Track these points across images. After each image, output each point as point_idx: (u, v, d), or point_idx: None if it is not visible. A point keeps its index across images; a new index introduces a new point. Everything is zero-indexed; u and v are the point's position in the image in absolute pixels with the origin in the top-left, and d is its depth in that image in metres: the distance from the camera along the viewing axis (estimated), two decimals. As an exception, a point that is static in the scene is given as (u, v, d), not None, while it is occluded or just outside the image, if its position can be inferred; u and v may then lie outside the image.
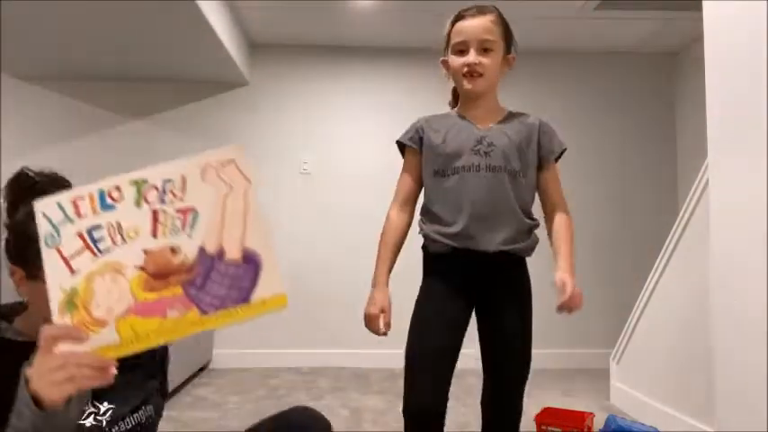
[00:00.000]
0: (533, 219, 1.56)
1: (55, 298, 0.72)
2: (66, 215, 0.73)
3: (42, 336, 0.70)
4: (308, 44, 4.11)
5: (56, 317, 0.71)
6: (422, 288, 1.56)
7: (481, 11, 1.57)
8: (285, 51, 4.14)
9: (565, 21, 3.69)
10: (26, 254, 0.85)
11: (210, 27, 3.08)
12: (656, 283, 2.79)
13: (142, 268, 0.73)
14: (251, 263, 0.74)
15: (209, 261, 0.74)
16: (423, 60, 4.09)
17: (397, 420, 2.70)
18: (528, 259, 1.58)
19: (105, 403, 0.95)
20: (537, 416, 2.45)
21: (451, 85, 1.66)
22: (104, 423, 0.98)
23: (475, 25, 1.53)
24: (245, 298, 0.74)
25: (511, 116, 1.60)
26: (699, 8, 1.86)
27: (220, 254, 0.74)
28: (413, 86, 4.05)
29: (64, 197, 0.73)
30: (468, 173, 1.48)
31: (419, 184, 1.59)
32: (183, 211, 0.74)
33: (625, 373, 3.02)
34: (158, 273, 0.73)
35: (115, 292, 0.72)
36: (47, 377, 0.69)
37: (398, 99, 4.10)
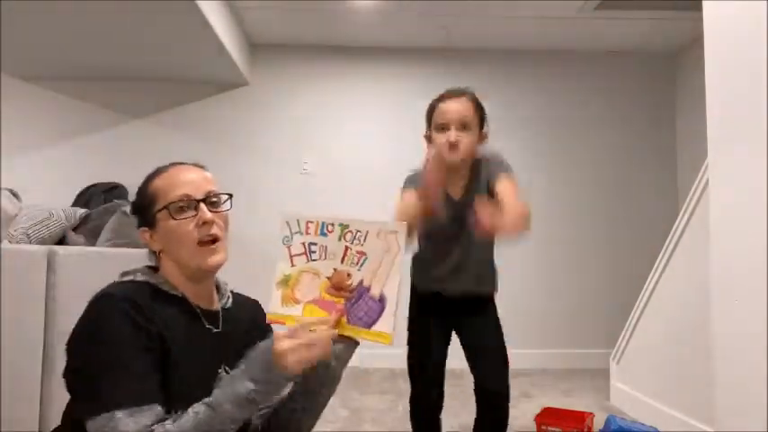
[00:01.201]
0: (494, 265, 1.91)
1: (277, 276, 1.11)
2: (299, 229, 1.12)
3: (293, 327, 0.99)
4: (308, 44, 4.11)
5: (274, 286, 1.11)
6: (411, 317, 1.88)
7: (460, 94, 1.79)
8: (285, 51, 4.14)
9: (565, 21, 3.69)
10: (145, 213, 1.12)
11: (210, 27, 3.08)
12: (656, 283, 2.79)
13: (328, 278, 1.09)
14: (381, 303, 1.06)
15: (363, 291, 1.07)
16: (422, 60, 4.10)
17: (397, 420, 2.70)
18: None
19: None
20: (537, 416, 2.46)
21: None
22: None
23: (454, 107, 1.76)
24: (369, 325, 1.06)
25: (476, 176, 1.83)
26: (699, 8, 1.86)
27: (369, 289, 1.07)
28: (412, 86, 4.05)
29: (302, 218, 1.12)
30: (444, 239, 1.82)
31: None
32: (360, 253, 1.09)
33: (625, 373, 3.02)
34: (336, 285, 1.09)
35: (311, 287, 1.10)
36: (296, 355, 0.95)
37: (398, 99, 4.11)
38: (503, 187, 1.77)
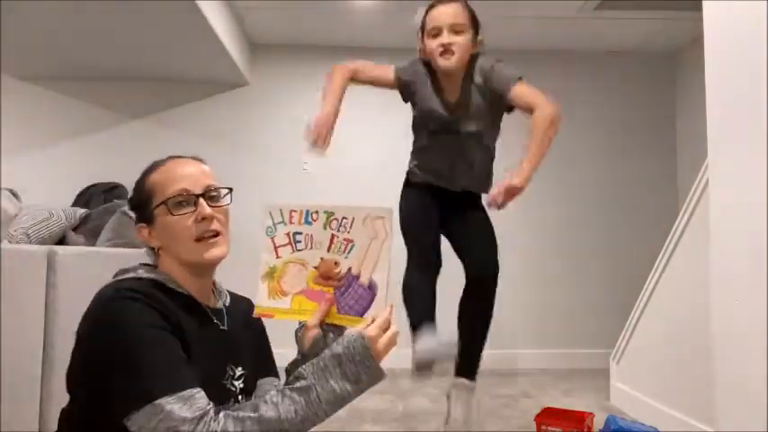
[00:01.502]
0: (491, 167, 1.97)
1: (262, 268, 1.09)
2: (282, 219, 1.09)
3: (382, 320, 1.00)
4: (308, 44, 4.11)
5: (259, 280, 1.09)
6: (404, 198, 1.94)
7: (451, 0, 1.80)
8: (285, 51, 4.14)
9: (565, 21, 3.69)
10: (143, 209, 1.08)
11: (210, 27, 3.08)
12: (656, 283, 2.78)
13: (316, 268, 1.07)
14: (371, 290, 1.04)
15: (351, 279, 1.05)
16: (423, 60, 4.09)
17: (397, 420, 2.70)
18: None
19: (240, 368, 1.10)
20: (537, 416, 2.45)
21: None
22: (237, 390, 1.08)
23: (446, 11, 1.77)
24: (361, 313, 1.04)
25: (472, 79, 1.86)
26: (699, 8, 1.86)
27: (357, 277, 1.05)
28: (413, 86, 4.05)
29: (285, 207, 1.10)
30: (443, 138, 1.84)
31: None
32: (347, 240, 1.06)
33: (625, 373, 3.02)
34: (324, 274, 1.07)
35: (297, 277, 1.08)
36: (387, 349, 0.98)
37: (398, 99, 4.10)
38: (522, 91, 1.85)
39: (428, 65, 1.92)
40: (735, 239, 1.69)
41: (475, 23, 1.83)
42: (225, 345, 1.09)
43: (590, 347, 3.96)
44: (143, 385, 0.88)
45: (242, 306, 1.20)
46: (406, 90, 1.92)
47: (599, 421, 2.50)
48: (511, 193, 1.67)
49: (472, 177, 1.87)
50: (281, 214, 1.09)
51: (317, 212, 1.08)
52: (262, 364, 1.20)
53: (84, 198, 3.66)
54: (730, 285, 1.70)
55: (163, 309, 0.96)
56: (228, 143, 4.10)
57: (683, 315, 2.54)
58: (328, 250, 1.07)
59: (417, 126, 1.93)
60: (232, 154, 4.08)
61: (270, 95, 4.13)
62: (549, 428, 2.38)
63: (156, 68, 3.87)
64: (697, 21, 1.95)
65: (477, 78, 1.83)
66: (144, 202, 1.08)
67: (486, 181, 1.94)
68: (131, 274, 1.04)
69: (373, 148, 4.09)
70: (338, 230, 1.06)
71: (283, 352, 1.22)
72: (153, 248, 1.11)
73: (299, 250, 1.08)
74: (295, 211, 1.09)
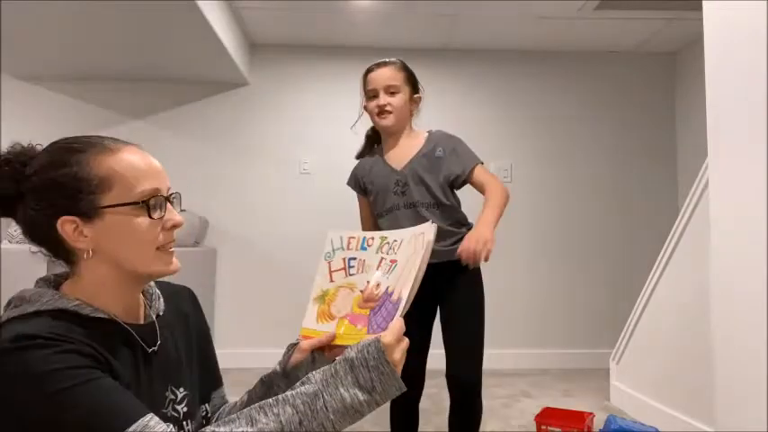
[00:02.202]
0: (461, 228, 1.87)
1: (315, 291, 1.09)
2: (341, 245, 1.11)
3: (397, 327, 0.90)
4: (308, 44, 4.11)
5: (311, 302, 1.08)
6: None
7: (385, 63, 1.91)
8: (285, 51, 4.14)
9: (565, 21, 3.69)
10: (75, 196, 0.86)
11: (210, 27, 3.08)
12: (656, 283, 2.79)
13: (361, 291, 1.05)
14: (397, 304, 0.98)
15: (386, 298, 1.01)
16: (422, 60, 4.09)
17: (397, 420, 2.70)
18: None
19: (182, 389, 0.96)
20: (537, 416, 2.46)
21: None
22: (181, 415, 0.95)
23: (381, 74, 1.89)
24: (385, 329, 0.97)
25: (422, 150, 1.88)
26: (699, 8, 1.86)
27: (391, 294, 1.00)
28: (413, 86, 4.05)
29: (345, 234, 1.12)
30: (396, 211, 1.85)
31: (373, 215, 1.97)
32: (392, 261, 1.04)
33: (625, 373, 3.02)
34: (367, 297, 1.04)
35: (345, 301, 1.06)
36: (401, 363, 0.88)
37: (398, 99, 4.10)
38: (481, 172, 1.86)
39: (373, 137, 2.01)
40: (735, 239, 1.69)
41: (412, 81, 1.91)
42: (160, 366, 0.93)
43: (590, 347, 3.96)
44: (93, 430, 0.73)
45: (182, 306, 1.05)
46: (364, 182, 1.95)
47: (599, 421, 2.51)
48: (477, 246, 1.61)
49: (438, 246, 1.81)
50: (341, 241, 1.12)
51: (372, 238, 1.10)
52: (209, 374, 1.08)
53: (84, 198, 3.66)
54: (730, 285, 1.70)
55: (78, 347, 0.77)
56: (228, 143, 4.10)
57: (683, 315, 2.54)
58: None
59: (376, 214, 1.93)
60: (232, 154, 4.08)
61: (270, 95, 4.14)
62: (549, 428, 2.39)
63: (156, 68, 3.86)
64: (697, 21, 1.95)
65: (431, 145, 1.87)
66: (84, 191, 0.86)
67: (456, 243, 1.86)
68: (30, 308, 0.82)
69: (373, 148, 4.08)
70: (387, 253, 1.07)
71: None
72: (68, 250, 0.88)
73: (351, 275, 1.09)
74: (354, 237, 1.11)
